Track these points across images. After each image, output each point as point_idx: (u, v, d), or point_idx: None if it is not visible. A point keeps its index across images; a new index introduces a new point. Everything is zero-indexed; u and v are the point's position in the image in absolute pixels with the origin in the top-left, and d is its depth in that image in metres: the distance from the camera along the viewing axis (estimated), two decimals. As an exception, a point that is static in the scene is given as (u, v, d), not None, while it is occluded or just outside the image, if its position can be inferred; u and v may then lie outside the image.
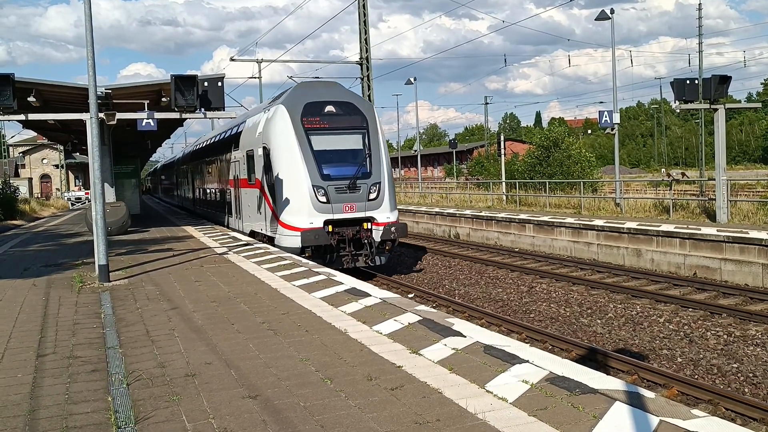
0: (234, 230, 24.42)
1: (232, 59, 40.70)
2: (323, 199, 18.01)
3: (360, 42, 29.14)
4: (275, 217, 18.74)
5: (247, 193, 21.90)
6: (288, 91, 20.40)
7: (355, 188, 18.32)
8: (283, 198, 18.27)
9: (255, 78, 44.09)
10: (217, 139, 28.95)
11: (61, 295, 11.99)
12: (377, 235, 18.56)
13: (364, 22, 29.33)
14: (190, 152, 39.52)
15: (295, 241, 17.77)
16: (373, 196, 18.54)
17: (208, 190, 31.13)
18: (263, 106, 22.57)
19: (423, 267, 22.26)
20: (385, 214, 18.63)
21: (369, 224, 18.53)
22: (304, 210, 17.94)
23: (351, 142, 19.20)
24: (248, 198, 21.73)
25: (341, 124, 19.08)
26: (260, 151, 19.61)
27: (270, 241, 19.55)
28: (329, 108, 19.04)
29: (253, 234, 22.00)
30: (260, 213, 20.29)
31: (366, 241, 18.53)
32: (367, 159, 18.84)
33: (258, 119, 20.86)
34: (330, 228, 18.02)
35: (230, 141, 24.71)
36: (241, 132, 22.98)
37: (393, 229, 18.49)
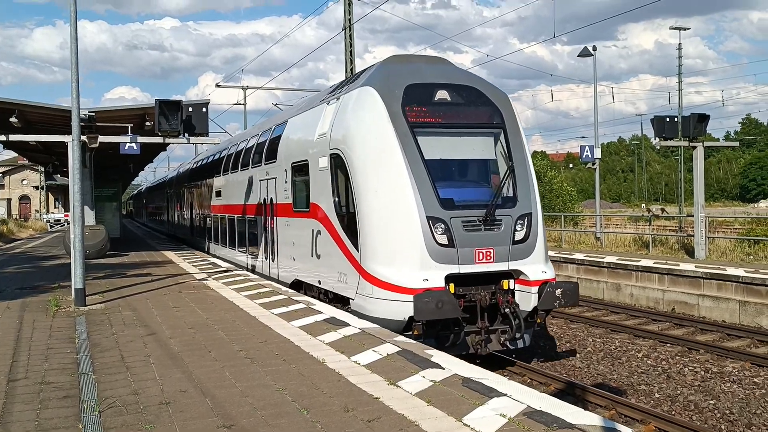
0: (262, 275, 18.08)
1: (217, 85, 40.83)
2: (444, 239, 11.28)
3: (346, 72, 29.32)
4: (356, 266, 12.02)
5: (290, 224, 15.58)
6: (371, 69, 13.52)
7: (494, 223, 11.63)
8: (374, 236, 11.67)
9: (240, 104, 44.20)
10: (231, 152, 22.92)
11: (36, 319, 11.80)
12: (527, 300, 11.73)
13: (351, 52, 29.57)
14: (189, 170, 33.43)
15: (402, 311, 11.05)
16: (520, 235, 11.80)
17: (217, 218, 24.83)
18: (321, 96, 15.79)
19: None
20: (538, 267, 11.85)
21: (511, 282, 11.90)
22: (415, 258, 11.22)
23: (480, 147, 12.68)
24: (293, 231, 15.40)
25: (464, 120, 12.56)
26: (323, 162, 13.18)
27: (340, 302, 12.93)
28: (442, 94, 12.51)
29: (298, 285, 15.46)
30: (318, 256, 13.73)
31: (507, 309, 11.78)
32: (509, 176, 12.13)
33: (316, 115, 14.40)
34: (452, 288, 11.33)
35: (256, 152, 19.02)
36: (279, 137, 16.78)
37: (559, 292, 11.66)
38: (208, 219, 26.95)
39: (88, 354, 9.00)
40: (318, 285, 14.04)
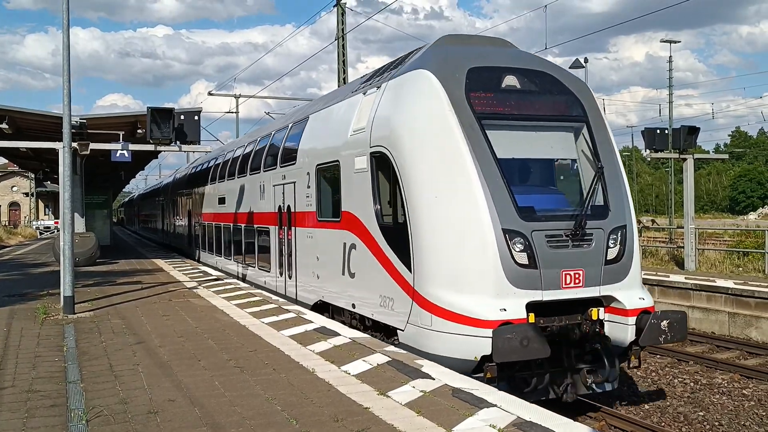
0: (275, 293, 15.96)
1: (210, 93, 40.85)
2: (523, 258, 9.16)
3: (338, 81, 29.36)
4: (407, 289, 9.80)
5: (314, 235, 13.42)
6: (419, 51, 11.42)
7: (584, 238, 9.50)
8: (434, 253, 9.45)
9: (232, 113, 44.18)
10: (236, 155, 21.10)
11: (24, 327, 11.72)
12: (621, 334, 9.64)
13: (343, 61, 29.62)
14: (187, 175, 31.38)
15: (472, 349, 8.90)
16: (613, 253, 9.72)
17: (220, 228, 22.84)
18: (352, 86, 13.43)
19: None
20: (634, 292, 9.77)
21: (601, 311, 9.74)
22: (488, 281, 9.07)
23: (560, 144, 10.59)
24: (318, 244, 13.25)
25: (539, 111, 10.44)
26: (361, 162, 11.14)
27: (382, 331, 10.83)
28: (511, 80, 10.35)
29: (322, 308, 13.32)
30: (352, 274, 11.58)
31: (597, 345, 9.74)
32: (598, 179, 10.02)
33: (348, 108, 12.32)
34: (531, 318, 9.14)
35: (268, 154, 16.99)
36: (299, 136, 14.67)
37: (665, 324, 9.55)
38: (208, 228, 25.03)
39: (76, 362, 8.94)
40: (352, 309, 11.74)
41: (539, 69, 10.73)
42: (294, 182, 14.56)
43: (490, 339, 8.62)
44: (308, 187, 13.69)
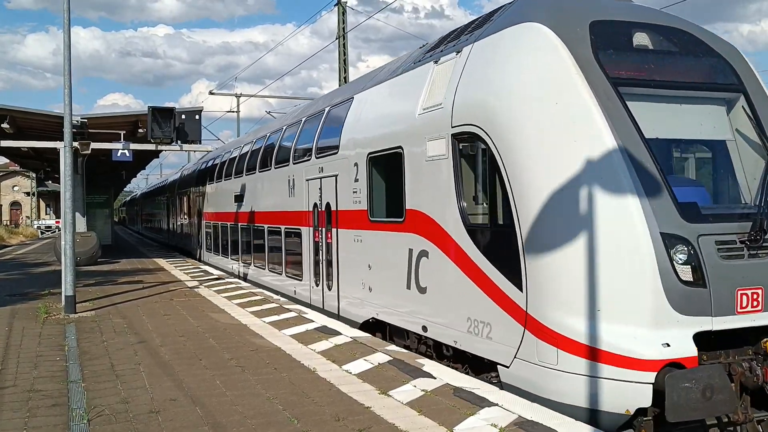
0: (309, 306, 13.86)
1: (211, 93, 40.86)
2: (687, 273, 6.91)
3: (339, 80, 29.34)
4: (513, 312, 7.57)
5: (364, 238, 11.31)
6: (511, 4, 8.92)
7: (764, 246, 7.26)
8: (562, 267, 7.16)
9: (233, 112, 44.20)
10: (255, 147, 18.90)
11: (25, 326, 11.72)
12: None
13: (344, 60, 29.61)
14: (196, 172, 29.11)
15: (626, 398, 6.67)
16: None
17: (236, 229, 20.59)
18: (414, 57, 10.99)
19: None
20: None
21: None
22: (645, 305, 6.81)
23: (711, 120, 8.23)
24: (370, 250, 11.15)
25: (682, 77, 8.14)
26: (436, 147, 8.93)
27: (470, 363, 8.69)
28: (642, 38, 8.11)
29: (375, 326, 11.20)
30: (422, 289, 9.40)
31: None
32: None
33: (412, 82, 10.22)
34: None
35: (299, 145, 14.97)
36: (340, 120, 12.52)
37: None
38: (221, 229, 22.79)
39: (78, 362, 8.94)
40: (421, 333, 9.50)
41: (676, 26, 8.40)
42: (335, 175, 12.38)
43: (651, 386, 6.45)
44: (355, 180, 11.45)
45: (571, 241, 7.03)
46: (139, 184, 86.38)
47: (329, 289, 12.96)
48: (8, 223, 75.35)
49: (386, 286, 10.49)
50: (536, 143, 7.45)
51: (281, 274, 16.16)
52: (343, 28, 29.55)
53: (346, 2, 29.65)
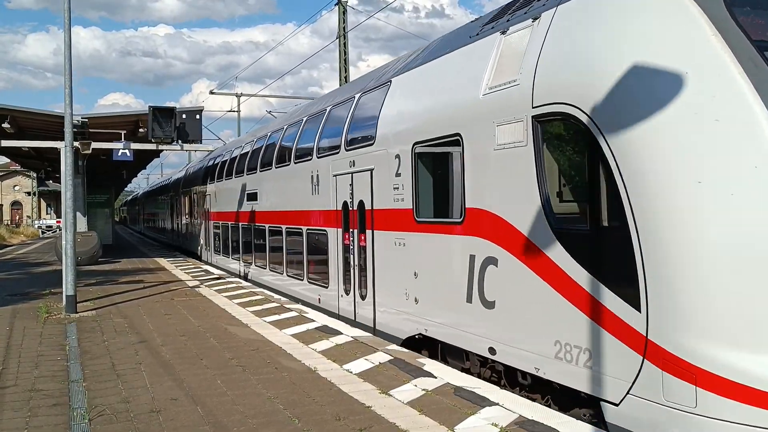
0: (337, 316, 12.50)
1: (211, 92, 40.89)
2: None
3: (340, 80, 29.34)
4: (629, 339, 5.99)
5: (408, 241, 9.87)
6: None
7: None
8: (701, 280, 5.53)
9: (234, 111, 44.21)
10: (272, 141, 17.53)
11: (26, 326, 11.73)
12: None
13: (345, 60, 29.61)
14: (203, 169, 27.51)
15: None
16: None
17: (249, 229, 19.17)
18: (468, 30, 9.58)
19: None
20: None
21: None
22: None
23: None
24: (416, 255, 9.70)
25: None
26: (510, 132, 7.62)
27: (553, 394, 7.41)
28: None
29: (422, 344, 9.84)
30: (489, 303, 8.00)
31: None
32: None
33: (471, 57, 8.86)
34: None
35: (324, 137, 13.60)
36: (376, 107, 11.17)
37: None
38: (232, 230, 21.56)
39: (79, 361, 8.95)
40: (487, 356, 8.07)
41: None
42: (370, 170, 11.00)
43: None
44: (397, 174, 10.06)
45: (713, 252, 5.48)
46: (140, 184, 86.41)
47: (362, 299, 11.43)
48: (9, 223, 75.39)
49: (439, 297, 9.00)
50: (660, 124, 5.87)
51: (302, 280, 14.76)
52: (344, 28, 29.54)
53: (347, 2, 29.65)
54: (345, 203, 12.12)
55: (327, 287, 13.22)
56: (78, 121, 17.41)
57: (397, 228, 10.15)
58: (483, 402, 6.85)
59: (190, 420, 6.45)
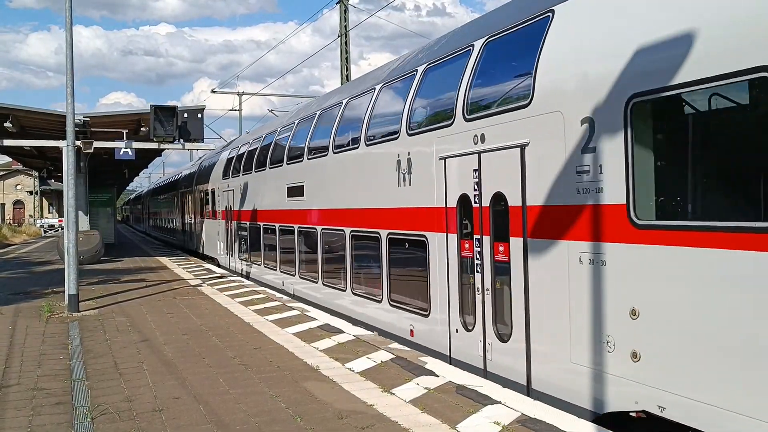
0: (441, 357, 9.18)
1: (213, 91, 40.88)
2: None
3: (341, 78, 29.34)
4: None
5: (607, 258, 6.44)
6: None
7: None
8: None
9: (235, 110, 44.21)
10: (331, 114, 13.82)
11: (29, 325, 11.75)
12: None
13: (346, 58, 29.60)
14: (226, 161, 23.52)
15: None
16: None
17: (294, 232, 15.57)
18: None
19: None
20: None
21: None
22: None
23: None
24: (619, 281, 6.29)
25: None
26: None
27: None
28: None
29: (639, 424, 6.33)
30: None
31: None
32: None
33: None
34: None
35: (423, 105, 10.32)
36: (539, 41, 7.56)
37: None
38: (265, 232, 18.23)
39: (81, 360, 8.96)
40: None
41: None
42: (521, 145, 7.59)
43: None
44: (584, 149, 6.68)
45: None
46: (142, 183, 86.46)
47: (501, 340, 8.02)
48: (11, 222, 75.48)
49: (693, 354, 5.55)
50: None
51: (380, 302, 11.17)
52: (345, 26, 29.53)
53: (348, 0, 29.64)
54: (463, 197, 8.72)
55: (426, 315, 9.75)
56: (80, 120, 17.42)
57: (583, 236, 6.74)
58: (485, 400, 6.85)
59: (192, 419, 6.46)
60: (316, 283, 14.34)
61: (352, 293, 12.43)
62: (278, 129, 17.72)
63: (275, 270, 17.42)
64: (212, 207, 25.36)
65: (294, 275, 15.77)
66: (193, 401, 7.03)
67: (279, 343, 9.91)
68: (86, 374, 8.21)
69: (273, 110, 28.04)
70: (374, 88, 11.92)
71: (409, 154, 10.16)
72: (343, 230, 12.73)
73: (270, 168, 17.39)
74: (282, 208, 16.36)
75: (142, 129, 19.68)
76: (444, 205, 9.19)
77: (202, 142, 17.77)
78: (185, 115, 16.48)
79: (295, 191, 15.29)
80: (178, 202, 35.58)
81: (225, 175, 23.09)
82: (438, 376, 7.85)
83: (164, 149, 19.84)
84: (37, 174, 59.42)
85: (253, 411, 6.66)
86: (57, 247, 24.50)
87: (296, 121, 16.11)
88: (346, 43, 29.69)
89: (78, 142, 14.97)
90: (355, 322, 11.72)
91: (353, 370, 8.24)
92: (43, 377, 8.13)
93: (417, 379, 7.73)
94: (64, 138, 13.99)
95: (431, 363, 8.52)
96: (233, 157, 22.34)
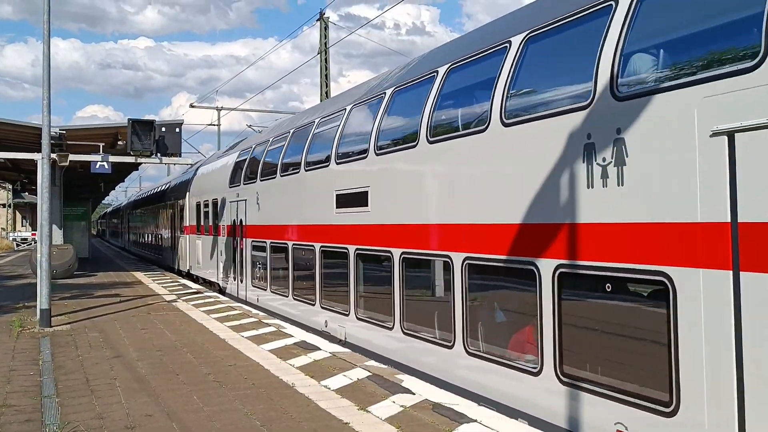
0: None
1: (191, 105, 40.74)
2: None
3: (321, 95, 29.41)
4: None
5: None
6: None
7: None
8: None
9: (214, 125, 44.07)
10: (412, 101, 10.01)
11: (-1, 340, 11.54)
12: None
13: (326, 75, 29.70)
14: (237, 163, 18.98)
15: None
16: None
17: (347, 255, 11.53)
18: None
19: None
20: None
21: None
22: None
23: None
24: None
25: None
26: None
27: None
28: None
29: None
30: None
31: None
32: None
33: None
34: None
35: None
36: None
37: None
38: (297, 253, 14.01)
39: (52, 376, 8.81)
40: None
41: None
42: None
43: None
44: None
45: None
46: (118, 197, 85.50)
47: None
48: (-17, 235, 74.23)
49: None
50: None
51: (535, 373, 6.96)
52: (325, 43, 29.67)
53: (328, 17, 29.82)
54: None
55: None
56: (56, 132, 17.25)
57: None
58: (461, 419, 6.84)
59: (165, 436, 6.36)
60: (391, 328, 9.99)
61: (464, 349, 8.20)
62: (315, 120, 13.69)
63: (311, 303, 13.11)
64: (212, 221, 21.39)
65: (347, 313, 11.59)
66: (166, 419, 6.94)
67: (255, 360, 9.82)
68: (57, 391, 8.06)
69: (252, 125, 27.84)
70: (516, 52, 7.86)
71: (619, 132, 6.04)
72: (448, 256, 8.57)
73: (307, 170, 13.36)
74: (326, 223, 12.41)
75: (119, 143, 19.53)
76: (726, 220, 5.10)
77: (180, 156, 17.65)
78: (163, 129, 16.39)
79: (351, 200, 11.43)
80: (166, 215, 31.09)
81: (233, 182, 18.95)
82: (414, 394, 7.82)
83: (141, 163, 19.68)
84: (10, 186, 58.60)
85: (227, 428, 6.58)
86: (30, 260, 24.14)
87: (349, 106, 12.14)
88: (326, 60, 29.79)
89: (53, 155, 14.83)
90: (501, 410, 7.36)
91: (329, 388, 8.18)
92: (12, 393, 7.97)
93: (393, 397, 7.69)
94: (39, 150, 13.85)
95: (407, 381, 8.50)
96: (244, 160, 18.22)
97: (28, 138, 18.76)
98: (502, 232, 7.60)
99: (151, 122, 16.23)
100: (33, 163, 15.30)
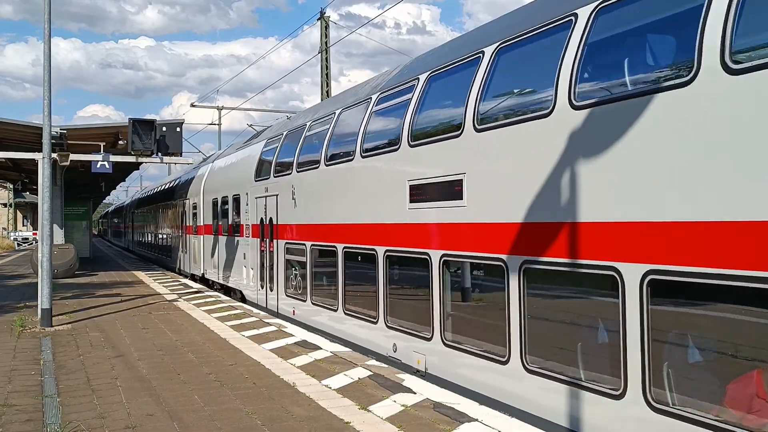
0: None
1: (192, 105, 40.74)
2: None
3: (321, 94, 29.40)
4: None
5: None
6: None
7: None
8: None
9: (215, 125, 44.06)
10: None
11: (0, 339, 11.54)
12: None
13: (327, 74, 29.69)
14: (266, 152, 16.30)
15: None
16: None
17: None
18: None
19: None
20: None
21: None
22: None
23: None
24: None
25: None
26: None
27: None
28: None
29: None
30: None
31: None
32: None
33: None
34: None
35: None
36: None
37: None
38: (355, 259, 11.39)
39: (53, 376, 8.81)
40: None
41: None
42: None
43: None
44: None
45: None
46: (119, 196, 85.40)
47: None
48: (-16, 235, 74.28)
49: None
50: None
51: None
52: (326, 43, 29.64)
53: (329, 17, 29.81)
54: None
55: None
56: (56, 132, 17.26)
57: None
58: (462, 418, 6.84)
59: (166, 436, 6.37)
60: (504, 362, 7.38)
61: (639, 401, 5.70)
62: (373, 96, 11.09)
63: (372, 320, 10.61)
64: (232, 220, 18.88)
65: (428, 337, 8.97)
66: (168, 418, 6.94)
67: (255, 360, 9.83)
68: (58, 390, 8.07)
69: (252, 125, 27.71)
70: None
71: None
72: (617, 269, 5.87)
73: (364, 156, 10.87)
74: (394, 222, 9.95)
75: (120, 142, 19.55)
76: None
77: (181, 155, 17.67)
78: (164, 128, 16.39)
79: (433, 192, 8.96)
80: (176, 213, 28.42)
81: (259, 175, 16.38)
82: (415, 393, 7.82)
83: (142, 162, 19.69)
84: (11, 186, 58.63)
85: (228, 428, 6.58)
86: (31, 260, 24.17)
87: (426, 74, 9.57)
88: (326, 59, 29.78)
89: (54, 155, 14.84)
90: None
91: (330, 387, 8.18)
92: (13, 393, 7.98)
93: (394, 396, 7.69)
94: (40, 150, 13.85)
95: (408, 380, 8.50)
96: (274, 148, 15.72)
97: (29, 137, 18.77)
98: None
99: (151, 122, 16.24)
100: (34, 163, 15.30)
